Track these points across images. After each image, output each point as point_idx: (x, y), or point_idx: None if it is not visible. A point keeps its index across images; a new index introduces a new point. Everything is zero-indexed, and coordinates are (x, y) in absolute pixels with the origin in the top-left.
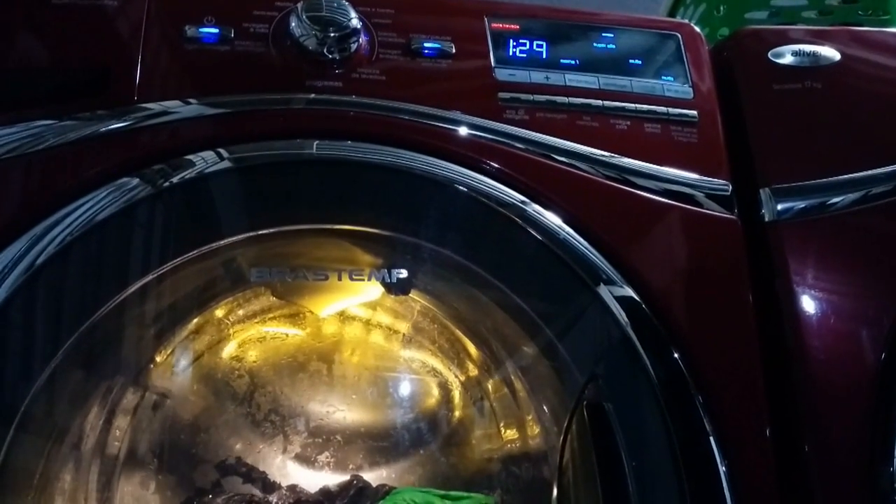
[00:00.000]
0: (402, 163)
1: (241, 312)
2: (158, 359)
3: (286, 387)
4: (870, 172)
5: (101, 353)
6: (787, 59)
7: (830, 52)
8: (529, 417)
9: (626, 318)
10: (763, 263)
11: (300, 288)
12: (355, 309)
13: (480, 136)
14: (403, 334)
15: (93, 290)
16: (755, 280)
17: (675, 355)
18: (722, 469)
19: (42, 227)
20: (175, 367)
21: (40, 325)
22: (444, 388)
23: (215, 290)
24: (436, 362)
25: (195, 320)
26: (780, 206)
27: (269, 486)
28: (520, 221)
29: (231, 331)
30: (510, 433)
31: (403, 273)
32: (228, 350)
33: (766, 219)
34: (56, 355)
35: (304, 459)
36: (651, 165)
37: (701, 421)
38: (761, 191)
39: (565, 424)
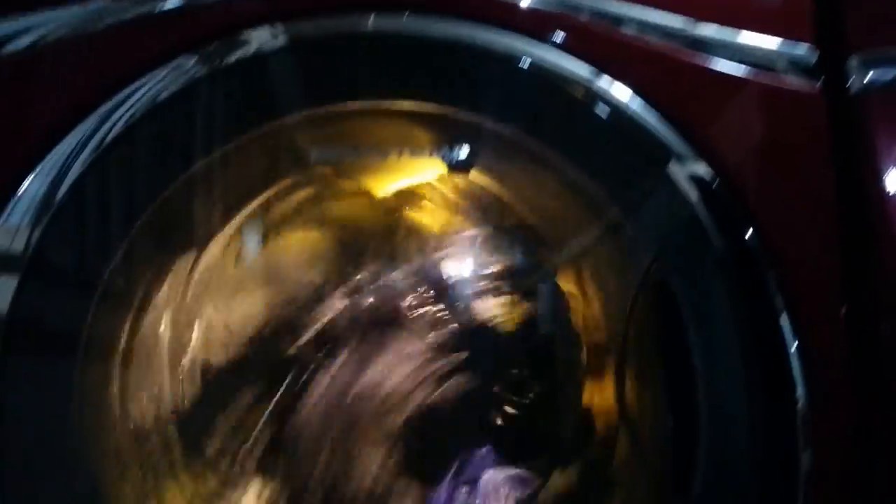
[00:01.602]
0: (463, 36)
1: (302, 193)
2: (226, 237)
3: (349, 266)
4: None
5: (172, 229)
6: None
7: None
8: (591, 299)
9: (696, 197)
10: (847, 139)
11: (360, 167)
12: (417, 189)
13: (545, 6)
14: (465, 215)
15: (160, 168)
16: (838, 157)
17: (748, 234)
18: (792, 348)
19: (107, 106)
20: (242, 246)
21: (114, 202)
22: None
23: (277, 171)
24: (498, 243)
25: (259, 200)
26: (871, 76)
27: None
28: (586, 96)
29: (293, 212)
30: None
31: (464, 151)
32: (292, 229)
33: (854, 90)
34: (130, 231)
35: None
36: (728, 34)
37: (772, 299)
38: (850, 58)
39: (629, 305)
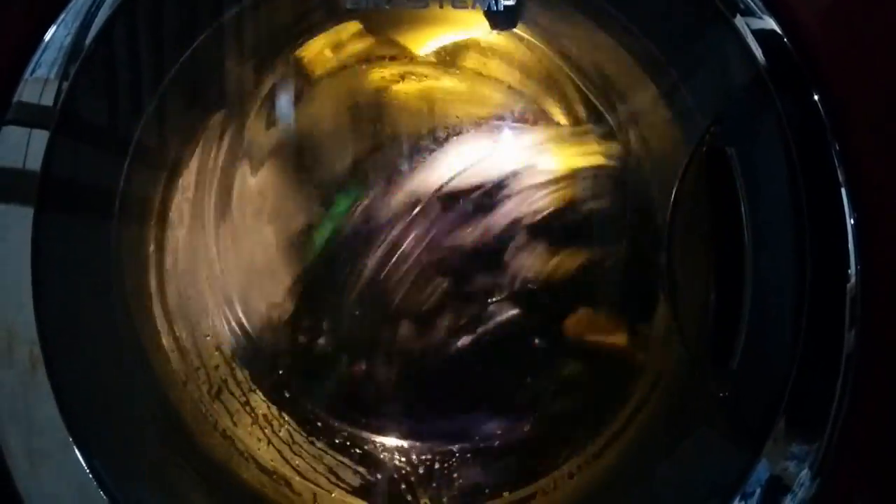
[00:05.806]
0: None
1: (336, 51)
2: (259, 92)
3: (387, 126)
4: None
5: (203, 85)
6: None
7: None
8: (643, 163)
9: (763, 55)
10: None
11: (397, 19)
12: (457, 46)
13: None
14: (508, 76)
15: (190, 15)
16: None
17: (815, 97)
18: (850, 222)
19: None
20: (276, 102)
21: (144, 53)
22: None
23: (310, 22)
24: (544, 106)
25: (292, 55)
26: None
27: None
28: None
29: (327, 69)
30: None
31: (510, 1)
32: (326, 88)
33: None
34: (161, 85)
35: None
36: None
37: (834, 170)
38: None
39: (682, 170)
